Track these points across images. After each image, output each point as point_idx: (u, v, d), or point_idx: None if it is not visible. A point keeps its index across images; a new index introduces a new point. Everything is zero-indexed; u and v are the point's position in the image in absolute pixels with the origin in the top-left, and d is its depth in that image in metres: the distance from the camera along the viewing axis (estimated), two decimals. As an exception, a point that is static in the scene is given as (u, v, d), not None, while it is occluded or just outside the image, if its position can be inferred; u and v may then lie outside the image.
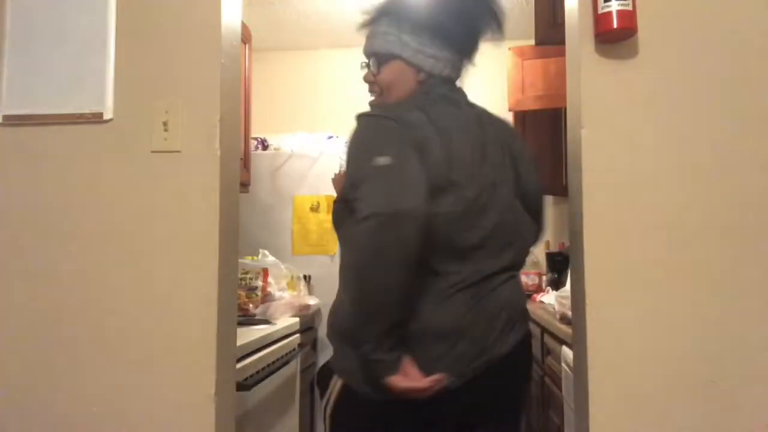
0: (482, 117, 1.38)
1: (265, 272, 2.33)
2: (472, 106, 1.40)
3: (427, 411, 1.20)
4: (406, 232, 1.09)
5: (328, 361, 1.35)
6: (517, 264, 1.35)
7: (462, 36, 1.36)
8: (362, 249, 1.13)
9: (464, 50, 1.39)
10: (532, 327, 2.75)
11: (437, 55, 1.34)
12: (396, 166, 1.14)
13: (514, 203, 1.33)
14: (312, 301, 2.67)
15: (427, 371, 1.16)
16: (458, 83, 1.43)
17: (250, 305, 2.25)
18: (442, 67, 1.35)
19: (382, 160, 1.14)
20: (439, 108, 1.28)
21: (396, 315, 1.15)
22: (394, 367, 1.15)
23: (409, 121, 1.21)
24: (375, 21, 1.37)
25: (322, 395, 1.33)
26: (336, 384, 1.29)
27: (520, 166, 1.37)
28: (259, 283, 2.31)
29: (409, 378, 1.16)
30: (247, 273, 2.32)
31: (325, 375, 1.33)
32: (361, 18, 1.38)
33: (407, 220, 1.09)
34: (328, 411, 1.30)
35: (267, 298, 2.32)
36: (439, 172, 1.19)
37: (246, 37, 2.86)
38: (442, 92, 1.34)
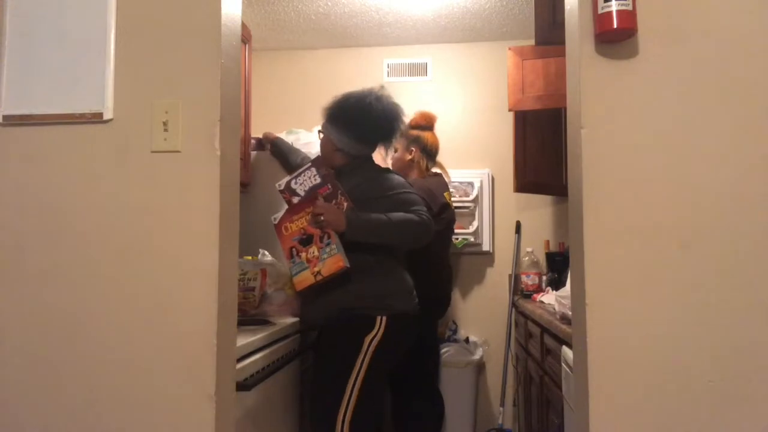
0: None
1: (263, 272, 2.32)
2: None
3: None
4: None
5: (362, 316, 2.07)
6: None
7: (372, 139, 2.26)
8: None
9: (373, 144, 2.30)
10: (532, 327, 2.77)
11: (354, 144, 2.23)
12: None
13: None
14: None
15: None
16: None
17: (248, 305, 2.24)
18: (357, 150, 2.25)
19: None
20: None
21: None
22: None
23: None
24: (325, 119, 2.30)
25: (366, 334, 2.04)
26: (381, 320, 2.05)
27: None
28: (257, 283, 2.30)
29: None
30: (245, 273, 2.30)
31: (365, 322, 2.06)
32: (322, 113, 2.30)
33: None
34: (375, 342, 2.04)
35: (264, 298, 2.31)
36: None
37: (246, 37, 2.86)
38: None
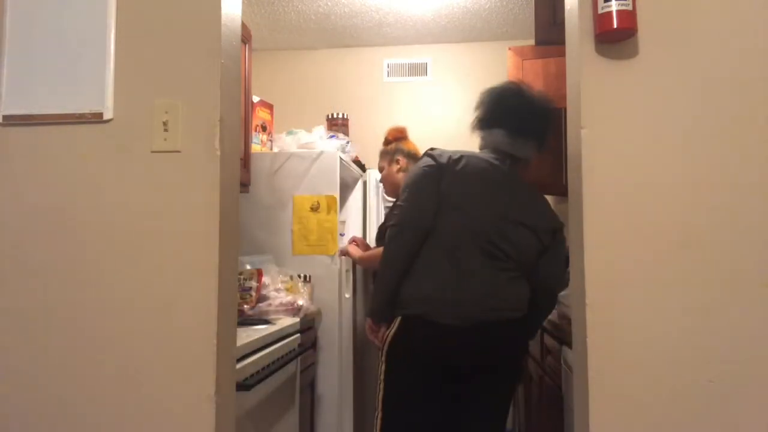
0: (512, 178, 2.01)
1: (259, 273, 2.32)
2: (507, 169, 2.02)
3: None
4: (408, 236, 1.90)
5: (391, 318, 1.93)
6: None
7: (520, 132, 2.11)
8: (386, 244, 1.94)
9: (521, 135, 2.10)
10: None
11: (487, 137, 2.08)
12: (413, 196, 1.92)
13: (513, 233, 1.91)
14: (301, 301, 2.61)
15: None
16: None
17: (245, 306, 2.24)
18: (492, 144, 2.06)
19: (406, 193, 1.94)
20: (473, 160, 1.98)
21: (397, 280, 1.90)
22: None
23: (441, 164, 1.94)
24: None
25: (383, 334, 1.92)
26: (396, 320, 1.88)
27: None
28: (254, 283, 2.30)
29: None
30: (241, 274, 2.30)
31: (389, 322, 1.91)
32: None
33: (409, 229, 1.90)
34: (387, 340, 1.88)
35: (262, 298, 2.31)
36: (449, 199, 1.89)
37: (246, 37, 2.85)
38: (484, 156, 2.03)
